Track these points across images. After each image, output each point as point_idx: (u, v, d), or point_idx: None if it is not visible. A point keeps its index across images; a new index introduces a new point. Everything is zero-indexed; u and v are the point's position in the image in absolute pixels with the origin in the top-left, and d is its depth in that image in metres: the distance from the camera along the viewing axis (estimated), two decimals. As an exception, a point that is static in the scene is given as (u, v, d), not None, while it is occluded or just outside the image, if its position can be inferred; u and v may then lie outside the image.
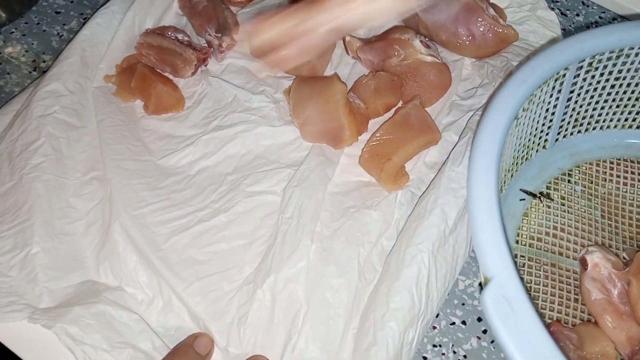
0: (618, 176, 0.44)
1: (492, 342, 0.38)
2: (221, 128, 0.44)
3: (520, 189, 0.42)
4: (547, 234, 0.41)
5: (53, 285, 0.38)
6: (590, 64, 0.38)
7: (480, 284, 0.40)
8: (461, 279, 0.40)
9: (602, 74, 0.39)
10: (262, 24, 0.31)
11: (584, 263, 0.38)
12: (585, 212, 0.42)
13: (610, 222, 0.42)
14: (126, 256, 0.38)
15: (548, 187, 0.43)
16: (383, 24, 0.49)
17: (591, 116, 0.43)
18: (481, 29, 0.46)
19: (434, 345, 0.38)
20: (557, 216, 0.42)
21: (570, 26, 0.53)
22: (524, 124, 0.38)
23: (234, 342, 0.36)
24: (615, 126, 0.44)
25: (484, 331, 0.38)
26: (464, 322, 0.39)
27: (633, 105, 0.42)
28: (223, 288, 0.38)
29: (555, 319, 0.38)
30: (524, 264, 0.40)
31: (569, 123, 0.43)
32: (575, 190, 0.43)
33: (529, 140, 0.41)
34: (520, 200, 0.42)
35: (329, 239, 0.38)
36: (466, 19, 0.46)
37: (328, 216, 0.40)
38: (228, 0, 0.51)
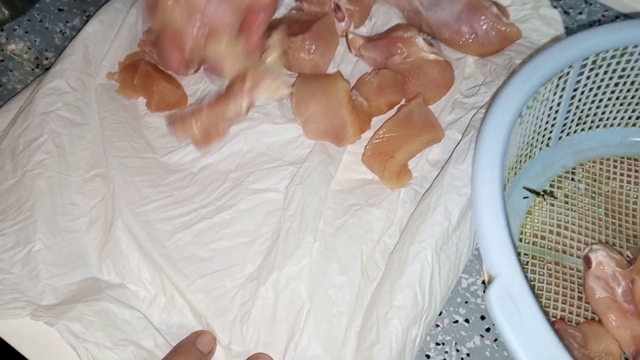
0: (622, 174, 0.44)
1: (495, 340, 0.38)
2: (224, 125, 0.44)
3: (524, 187, 0.42)
4: (551, 232, 0.41)
5: (55, 283, 0.38)
6: (594, 62, 0.38)
7: (483, 282, 0.40)
8: (464, 277, 0.40)
9: (605, 72, 0.39)
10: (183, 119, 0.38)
11: (587, 261, 0.38)
12: (588, 210, 0.42)
13: (614, 221, 0.42)
14: (129, 253, 0.38)
15: (551, 185, 0.43)
16: (386, 21, 0.49)
17: (595, 114, 0.43)
18: (484, 27, 0.45)
19: (437, 344, 0.38)
20: (561, 214, 0.42)
21: (573, 24, 0.52)
22: (527, 122, 0.38)
23: (237, 340, 0.36)
24: (619, 124, 0.44)
25: (487, 329, 0.38)
26: (467, 320, 0.39)
27: (637, 104, 0.42)
28: (226, 285, 0.38)
29: (559, 317, 0.38)
30: (528, 262, 0.40)
31: (572, 121, 0.43)
32: (578, 188, 0.43)
33: (533, 138, 0.40)
34: (524, 198, 0.42)
35: (332, 237, 0.38)
36: (469, 17, 0.46)
37: (331, 214, 0.40)
38: None
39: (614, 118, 0.43)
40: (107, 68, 0.47)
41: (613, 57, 0.38)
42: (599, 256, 0.37)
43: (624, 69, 0.39)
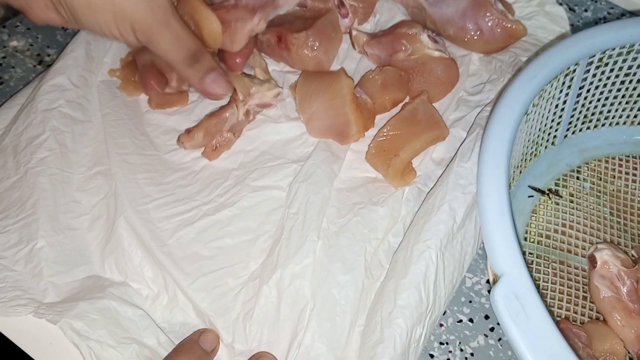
0: (627, 173, 0.43)
1: (500, 340, 0.38)
2: (226, 123, 0.44)
3: (529, 186, 0.42)
4: (556, 231, 0.41)
5: (58, 280, 0.37)
6: (600, 60, 0.38)
7: (487, 281, 0.40)
8: (468, 276, 0.40)
9: (612, 70, 0.39)
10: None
11: (592, 260, 0.38)
12: (594, 209, 0.42)
13: (619, 220, 0.41)
14: (131, 251, 0.38)
15: (557, 184, 0.43)
16: (390, 18, 0.49)
17: (600, 112, 0.43)
18: (489, 24, 0.45)
19: (441, 343, 0.38)
20: (566, 213, 0.41)
21: (579, 22, 0.52)
22: (533, 120, 0.37)
23: (240, 338, 0.36)
24: (625, 122, 0.44)
25: (491, 329, 0.38)
26: (471, 320, 0.39)
27: (643, 102, 0.42)
28: (228, 284, 0.38)
29: (563, 316, 0.38)
30: (533, 261, 0.40)
31: (578, 119, 0.42)
32: (584, 187, 0.43)
33: (538, 136, 0.40)
34: (529, 197, 0.42)
35: (336, 235, 0.38)
36: (474, 14, 0.45)
37: (334, 212, 0.39)
38: None
39: (620, 116, 0.43)
40: (109, 65, 0.47)
41: (619, 54, 0.38)
42: (604, 255, 0.37)
43: (630, 67, 0.39)
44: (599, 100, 0.41)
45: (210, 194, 0.41)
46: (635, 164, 0.44)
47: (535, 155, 0.42)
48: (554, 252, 0.40)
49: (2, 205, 0.40)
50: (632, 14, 0.52)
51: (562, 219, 0.41)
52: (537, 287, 0.39)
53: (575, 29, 0.51)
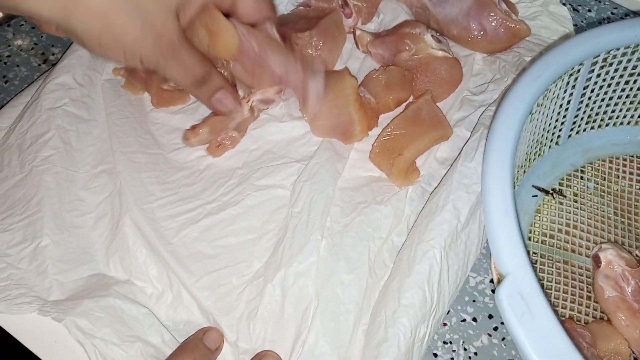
0: (631, 173, 0.43)
1: (503, 339, 0.38)
2: (230, 122, 0.44)
3: (533, 186, 0.42)
4: (560, 230, 0.41)
5: (63, 278, 0.38)
6: (605, 60, 0.38)
7: (491, 281, 0.40)
8: (472, 275, 0.40)
9: (616, 70, 0.39)
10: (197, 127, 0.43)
11: (597, 260, 0.38)
12: (598, 209, 0.42)
13: (623, 220, 0.41)
14: (136, 250, 0.38)
15: (560, 184, 0.43)
16: (394, 18, 0.49)
17: (604, 112, 0.42)
18: (493, 24, 0.45)
19: (445, 342, 0.38)
20: (570, 213, 0.41)
21: (582, 22, 0.52)
22: (538, 120, 0.37)
23: (244, 337, 0.36)
24: (629, 122, 0.43)
25: (495, 328, 0.38)
26: (474, 319, 0.39)
27: (647, 102, 0.42)
28: (232, 282, 0.38)
29: (567, 316, 0.38)
30: (536, 261, 0.40)
31: (582, 119, 0.42)
32: (587, 187, 0.43)
33: (542, 136, 0.40)
34: (533, 196, 0.42)
35: (339, 235, 0.38)
36: (478, 14, 0.45)
37: (338, 211, 0.39)
38: None
39: (624, 116, 0.43)
40: (113, 63, 0.47)
41: (624, 54, 0.38)
42: (608, 255, 0.37)
43: (634, 67, 0.39)
44: (603, 100, 0.41)
45: (215, 192, 0.41)
46: (639, 164, 0.44)
47: (539, 155, 0.42)
48: (558, 251, 0.40)
49: (7, 203, 0.40)
50: (636, 13, 0.52)
51: (566, 219, 0.41)
52: (542, 287, 0.38)
53: (578, 29, 0.51)
